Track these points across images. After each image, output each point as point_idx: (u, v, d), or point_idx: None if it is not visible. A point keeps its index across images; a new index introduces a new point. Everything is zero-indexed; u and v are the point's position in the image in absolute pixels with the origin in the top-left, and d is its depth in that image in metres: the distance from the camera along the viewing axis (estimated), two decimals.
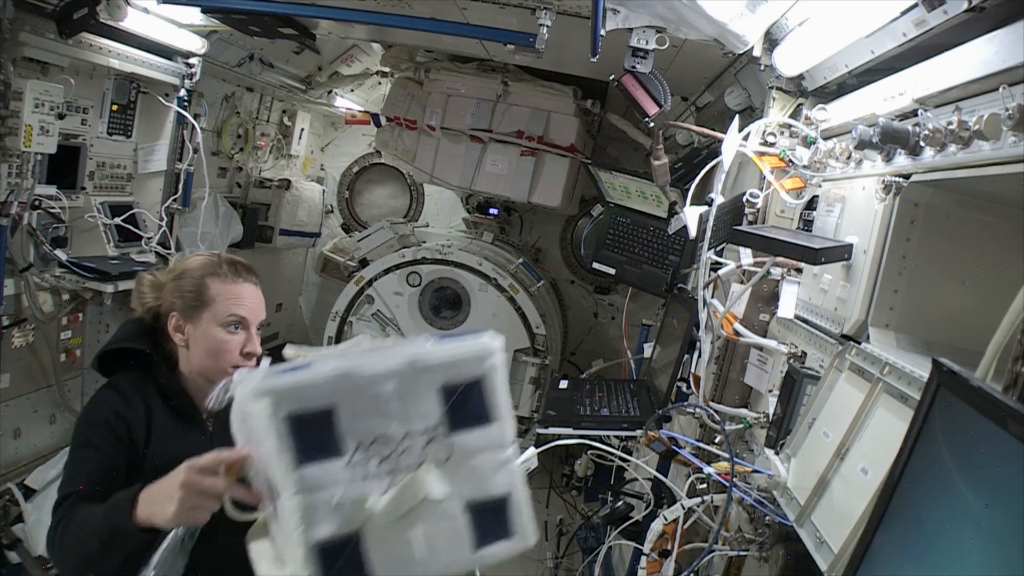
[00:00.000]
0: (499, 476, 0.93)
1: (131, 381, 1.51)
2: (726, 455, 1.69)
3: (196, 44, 3.38)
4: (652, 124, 2.29)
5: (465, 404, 0.92)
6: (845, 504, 1.22)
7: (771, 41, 2.21)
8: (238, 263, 1.59)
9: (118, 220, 3.43)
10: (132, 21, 2.84)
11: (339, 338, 4.19)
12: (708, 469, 1.69)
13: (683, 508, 1.82)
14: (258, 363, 1.56)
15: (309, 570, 0.83)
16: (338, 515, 0.84)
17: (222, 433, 1.28)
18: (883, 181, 1.46)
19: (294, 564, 0.85)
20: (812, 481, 1.34)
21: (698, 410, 2.18)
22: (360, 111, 5.39)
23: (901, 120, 1.46)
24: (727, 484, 1.58)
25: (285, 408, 0.86)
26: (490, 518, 0.91)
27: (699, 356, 2.32)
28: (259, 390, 0.88)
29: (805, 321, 1.83)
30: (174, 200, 3.69)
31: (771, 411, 1.82)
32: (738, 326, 2.14)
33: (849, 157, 1.72)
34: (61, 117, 2.71)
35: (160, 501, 1.13)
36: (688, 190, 2.42)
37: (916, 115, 1.38)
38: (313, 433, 0.86)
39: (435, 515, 0.89)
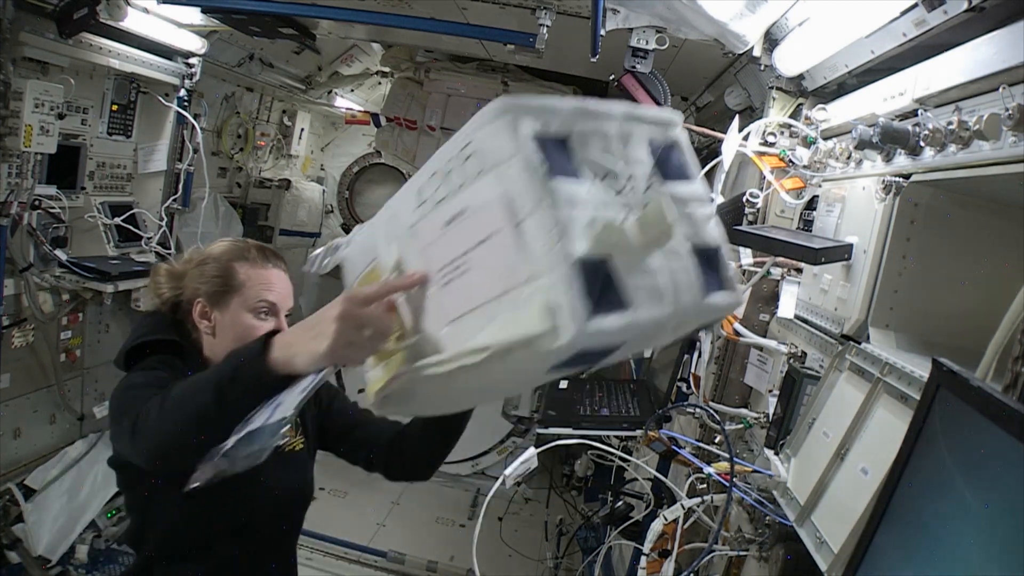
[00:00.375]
0: (710, 227, 0.94)
1: (163, 362, 1.40)
2: (726, 455, 1.69)
3: (196, 44, 3.38)
4: None
5: (668, 160, 0.94)
6: (845, 504, 1.22)
7: (771, 41, 2.21)
8: (266, 248, 1.53)
9: (118, 220, 3.43)
10: (132, 21, 2.84)
11: None
12: (708, 469, 1.69)
13: (683, 508, 1.82)
14: None
15: (574, 288, 0.77)
16: (591, 234, 0.81)
17: None
18: (883, 181, 1.46)
19: (552, 290, 0.78)
20: (812, 481, 1.34)
21: (698, 410, 2.18)
22: (360, 111, 5.39)
23: (901, 120, 1.46)
24: (727, 484, 1.58)
25: (528, 126, 0.84)
26: (710, 266, 0.91)
27: (699, 356, 2.32)
28: (501, 107, 0.85)
29: (805, 321, 1.83)
30: (174, 200, 3.69)
31: (771, 411, 1.82)
32: (738, 326, 2.14)
33: (849, 157, 1.72)
34: (61, 117, 2.71)
35: (307, 338, 0.98)
36: None
37: (916, 115, 1.38)
38: (554, 155, 0.84)
39: (668, 253, 0.87)
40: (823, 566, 1.20)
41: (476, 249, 0.88)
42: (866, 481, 1.19)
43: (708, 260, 0.91)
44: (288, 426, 0.96)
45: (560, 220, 0.80)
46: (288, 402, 0.97)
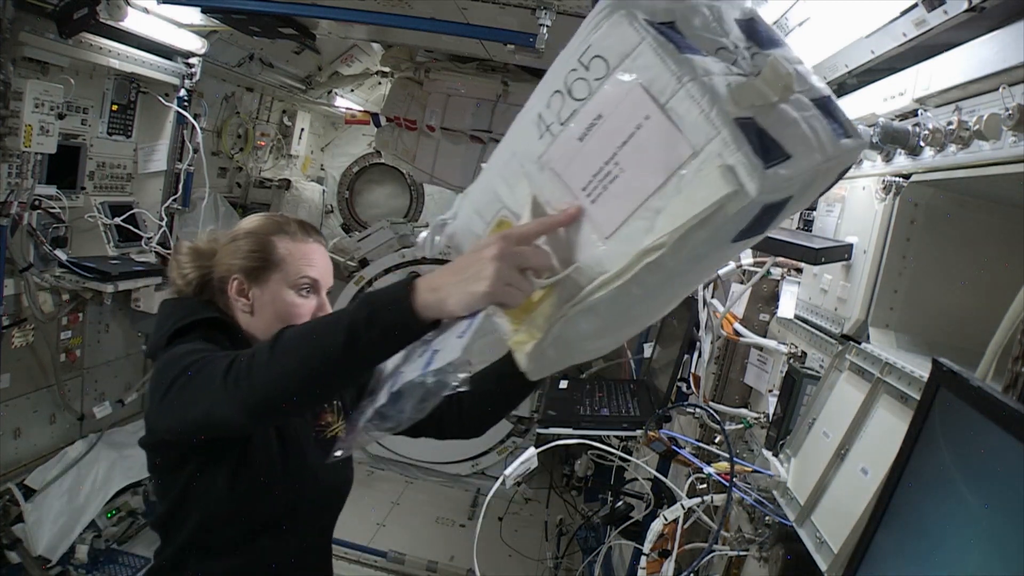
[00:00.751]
0: (816, 80, 0.95)
1: (203, 337, 1.28)
2: (726, 455, 1.69)
3: (196, 44, 3.39)
4: None
5: (756, 32, 0.96)
6: (845, 504, 1.22)
7: None
8: (305, 223, 1.45)
9: (118, 220, 3.43)
10: (132, 21, 2.84)
11: None
12: (708, 469, 1.69)
13: (683, 508, 1.82)
14: None
15: (744, 143, 0.78)
16: (732, 96, 0.82)
17: None
18: (883, 181, 1.46)
19: (724, 152, 0.78)
20: (812, 481, 1.34)
21: (698, 410, 2.18)
22: (360, 111, 5.40)
23: (901, 120, 1.46)
24: (727, 484, 1.58)
25: (640, 15, 0.85)
26: (831, 115, 0.92)
27: (699, 356, 2.32)
28: (610, 5, 0.87)
29: (805, 321, 1.82)
30: (174, 200, 3.69)
31: (771, 411, 1.82)
32: (738, 326, 2.14)
33: None
34: (61, 117, 2.72)
35: (459, 280, 0.90)
36: None
37: (916, 115, 1.38)
38: (670, 35, 0.85)
39: (795, 105, 0.88)
40: (823, 566, 1.19)
41: (623, 149, 0.85)
42: (866, 481, 1.19)
43: (829, 110, 0.92)
44: (468, 373, 0.91)
45: (708, 87, 0.81)
46: (450, 347, 0.91)
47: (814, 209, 1.95)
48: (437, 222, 1.10)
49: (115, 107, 3.41)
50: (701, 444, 2.05)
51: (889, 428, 1.20)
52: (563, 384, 2.95)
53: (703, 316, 2.24)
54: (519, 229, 0.92)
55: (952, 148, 1.23)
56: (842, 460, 1.30)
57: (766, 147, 0.80)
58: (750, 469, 1.64)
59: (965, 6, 1.17)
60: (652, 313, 1.11)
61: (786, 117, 0.85)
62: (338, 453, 0.95)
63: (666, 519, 1.82)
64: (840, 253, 1.58)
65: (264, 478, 1.29)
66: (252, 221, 1.42)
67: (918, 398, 0.94)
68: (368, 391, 0.98)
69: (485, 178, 1.04)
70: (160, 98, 3.54)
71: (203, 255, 1.40)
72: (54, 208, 2.97)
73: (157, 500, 1.37)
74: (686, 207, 0.80)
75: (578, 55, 0.90)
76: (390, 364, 1.01)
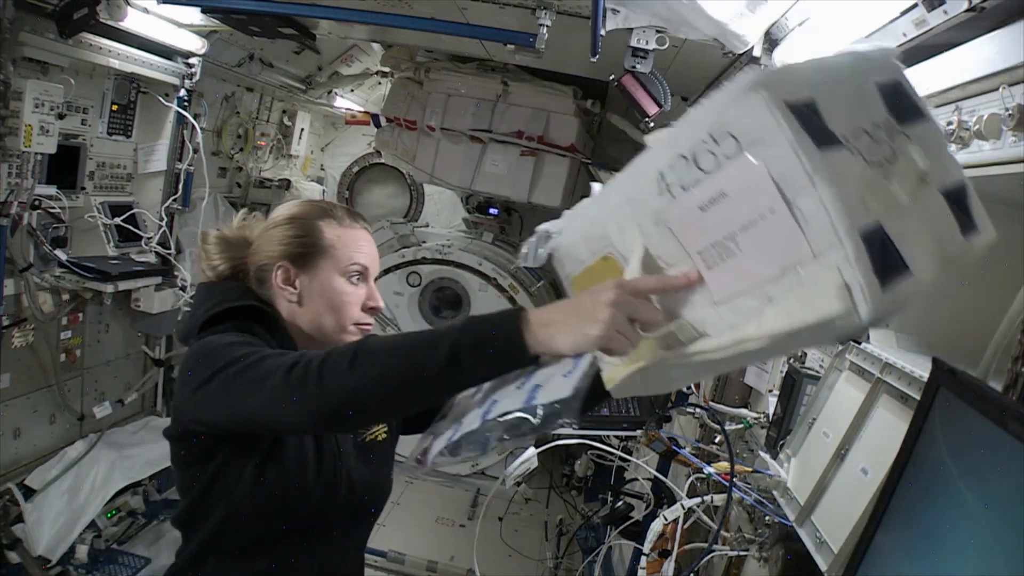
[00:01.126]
0: (953, 165, 0.92)
1: (240, 328, 1.21)
2: (726, 455, 1.69)
3: (196, 44, 3.39)
4: (652, 124, 2.30)
5: (899, 100, 0.92)
6: (845, 504, 1.22)
7: (771, 41, 2.21)
8: (350, 208, 1.38)
9: (118, 220, 3.43)
10: (132, 21, 2.84)
11: None
12: (708, 469, 1.69)
13: (683, 508, 1.82)
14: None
15: (865, 263, 0.76)
16: (863, 201, 0.80)
17: None
18: None
19: (843, 268, 0.77)
20: (812, 481, 1.34)
21: (698, 410, 2.18)
22: (360, 111, 5.39)
23: None
24: (727, 484, 1.58)
25: (780, 96, 0.81)
26: (962, 207, 0.89)
27: None
28: (753, 84, 0.83)
29: None
30: (174, 200, 3.69)
31: (771, 411, 1.82)
32: None
33: None
34: (61, 117, 2.72)
35: (573, 319, 0.91)
36: None
37: None
38: (812, 123, 0.81)
39: (925, 204, 0.86)
40: (823, 566, 1.20)
41: (744, 233, 0.85)
42: (866, 481, 1.19)
43: (960, 200, 0.89)
44: (574, 413, 0.89)
45: (839, 194, 0.78)
46: (556, 384, 0.90)
47: None
48: (542, 232, 1.09)
49: (115, 107, 3.41)
50: (701, 444, 2.06)
51: (889, 428, 1.20)
52: None
53: None
54: (637, 282, 0.92)
55: (952, 148, 1.23)
56: (842, 460, 1.30)
57: (887, 261, 0.79)
58: (750, 469, 1.64)
59: (965, 6, 1.18)
60: (733, 367, 1.12)
61: (913, 223, 0.83)
62: (412, 473, 0.93)
63: (666, 519, 1.83)
64: None
65: (293, 476, 1.23)
66: (293, 207, 1.35)
67: (918, 398, 0.94)
68: (439, 415, 0.98)
69: (596, 212, 1.03)
70: (160, 98, 3.54)
71: (234, 245, 1.34)
72: (54, 208, 2.97)
73: (179, 495, 1.30)
74: (796, 310, 0.81)
75: (709, 126, 0.87)
76: (471, 393, 1.01)
